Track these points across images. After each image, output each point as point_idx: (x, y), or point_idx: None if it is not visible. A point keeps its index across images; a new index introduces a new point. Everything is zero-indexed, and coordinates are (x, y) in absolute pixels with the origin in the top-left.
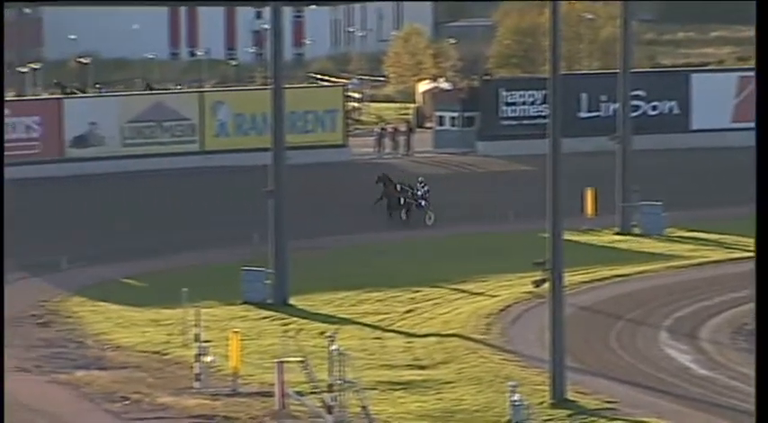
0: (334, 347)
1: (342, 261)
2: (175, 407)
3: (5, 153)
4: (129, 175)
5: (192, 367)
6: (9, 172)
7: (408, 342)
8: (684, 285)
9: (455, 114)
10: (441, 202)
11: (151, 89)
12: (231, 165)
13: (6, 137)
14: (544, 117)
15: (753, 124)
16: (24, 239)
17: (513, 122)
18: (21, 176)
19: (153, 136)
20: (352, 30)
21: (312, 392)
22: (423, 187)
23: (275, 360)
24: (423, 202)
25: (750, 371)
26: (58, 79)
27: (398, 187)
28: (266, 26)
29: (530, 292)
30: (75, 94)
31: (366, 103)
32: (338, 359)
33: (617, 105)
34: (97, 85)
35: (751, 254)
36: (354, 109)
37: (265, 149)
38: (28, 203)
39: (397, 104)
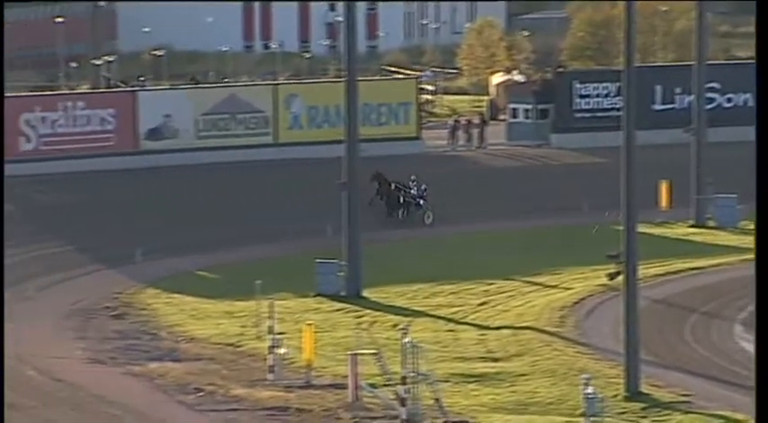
0: (407, 340)
1: (416, 253)
2: (249, 399)
3: (80, 145)
4: (202, 167)
5: (265, 359)
6: (85, 164)
7: (482, 334)
8: None
9: (529, 107)
10: (513, 194)
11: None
12: (304, 157)
13: (82, 129)
14: (618, 109)
15: None
16: (99, 232)
17: (587, 115)
18: (96, 169)
19: (227, 128)
20: (425, 22)
21: (385, 385)
22: (419, 186)
23: (349, 352)
24: (421, 202)
25: None
26: (103, 73)
27: (393, 186)
28: (340, 19)
29: (604, 285)
30: (120, 86)
31: (439, 96)
32: (411, 351)
33: (691, 97)
34: (191, 79)
35: None
36: (428, 101)
37: (339, 142)
38: (103, 196)
39: (471, 97)
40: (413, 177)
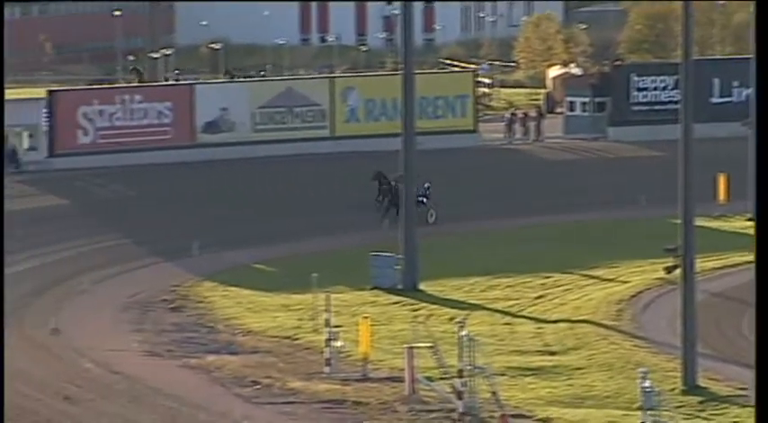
0: (463, 333)
1: (472, 246)
2: (305, 391)
3: (137, 138)
4: (259, 160)
5: (322, 352)
6: (141, 157)
7: (538, 328)
8: None
9: (586, 100)
10: (570, 187)
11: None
12: (361, 150)
13: (139, 122)
14: (675, 102)
15: None
16: (157, 225)
17: (645, 108)
18: (152, 162)
19: (283, 122)
20: (482, 15)
21: (442, 378)
22: (422, 184)
23: (405, 345)
24: (424, 200)
25: None
26: (134, 66)
27: (394, 184)
28: (397, 12)
29: (661, 279)
30: (155, 82)
31: (496, 89)
32: (468, 345)
33: (749, 90)
34: (261, 72)
35: None
36: (485, 94)
37: (395, 135)
38: (159, 189)
39: (528, 90)
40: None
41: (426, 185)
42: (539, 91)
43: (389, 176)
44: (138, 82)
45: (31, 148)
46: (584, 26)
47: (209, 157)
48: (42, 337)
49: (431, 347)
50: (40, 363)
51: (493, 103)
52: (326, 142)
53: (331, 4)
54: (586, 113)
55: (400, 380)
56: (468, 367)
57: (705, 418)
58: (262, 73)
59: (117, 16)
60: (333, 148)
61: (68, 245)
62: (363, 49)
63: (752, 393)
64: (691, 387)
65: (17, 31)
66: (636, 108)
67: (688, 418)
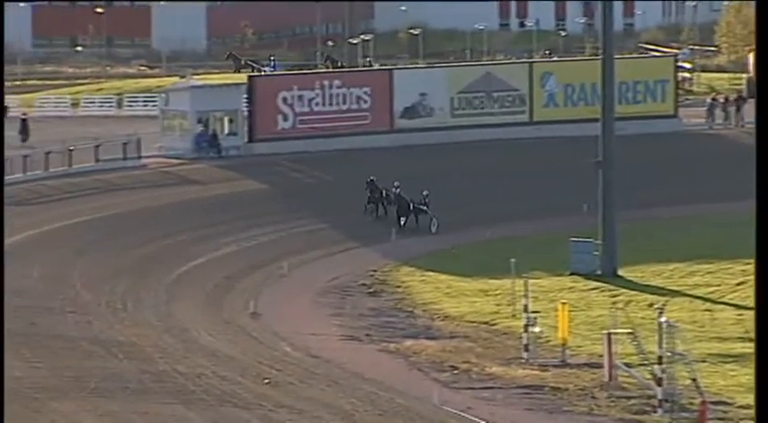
0: (663, 319)
1: (671, 231)
2: (504, 377)
3: (336, 123)
4: (457, 145)
5: (520, 338)
6: (340, 142)
7: (739, 314)
8: None
9: None
10: None
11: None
12: (560, 135)
13: (338, 108)
14: None
15: None
16: (355, 210)
17: None
18: (350, 147)
19: (482, 107)
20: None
21: (641, 364)
22: (421, 192)
23: (604, 331)
24: (425, 208)
25: None
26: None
27: (384, 193)
28: None
29: None
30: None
31: (697, 74)
32: (668, 331)
33: None
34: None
35: None
36: (685, 79)
37: (594, 120)
38: (358, 174)
39: (729, 74)
40: (396, 183)
41: (425, 193)
42: (740, 76)
43: (380, 185)
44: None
45: (231, 134)
46: None
47: (407, 142)
48: (242, 321)
49: (630, 333)
50: (240, 346)
51: (693, 88)
52: (525, 127)
53: None
54: None
55: (599, 366)
56: (668, 354)
57: None
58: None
59: (317, 2)
60: (531, 133)
61: (268, 230)
62: (562, 33)
63: None
64: None
65: (218, 18)
66: None
67: None
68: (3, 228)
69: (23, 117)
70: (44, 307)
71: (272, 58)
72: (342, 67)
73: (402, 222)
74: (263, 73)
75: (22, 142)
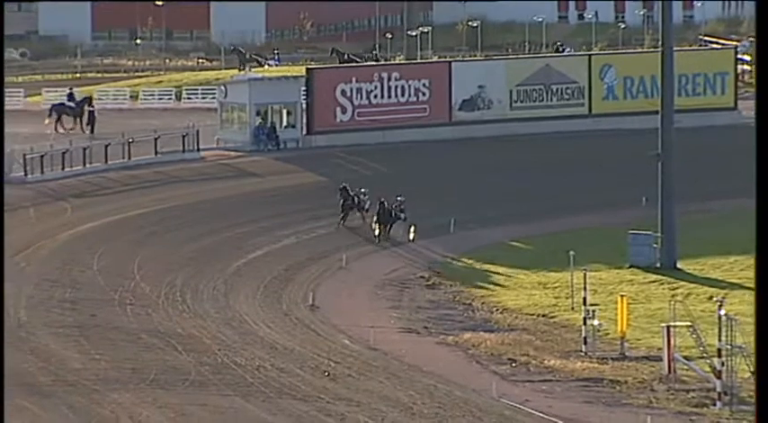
0: (722, 312)
1: (732, 225)
2: (562, 370)
3: (394, 116)
4: (516, 138)
5: (579, 330)
6: (398, 135)
7: None
8: None
9: None
10: None
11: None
12: (619, 128)
13: (396, 100)
14: None
15: None
16: (413, 202)
17: None
18: (409, 139)
19: (541, 99)
20: None
21: (700, 357)
22: (396, 197)
23: (663, 324)
24: (402, 215)
25: None
26: (234, 46)
27: (356, 200)
28: None
29: None
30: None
31: None
32: (727, 324)
33: None
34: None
35: None
36: (744, 72)
37: (654, 112)
38: (416, 167)
39: None
40: (363, 190)
41: (400, 199)
42: None
43: (352, 191)
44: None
45: (290, 126)
46: None
47: (465, 135)
48: (300, 313)
49: (689, 326)
50: (299, 338)
51: (754, 81)
52: (584, 120)
53: None
54: None
55: (658, 359)
56: (727, 346)
57: None
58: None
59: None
60: (590, 125)
61: (326, 222)
62: (621, 26)
63: None
64: None
65: (277, 11)
66: None
67: None
68: (3, 227)
69: (91, 109)
70: (104, 299)
71: (275, 51)
72: (349, 60)
73: (377, 233)
74: (266, 67)
75: (90, 133)
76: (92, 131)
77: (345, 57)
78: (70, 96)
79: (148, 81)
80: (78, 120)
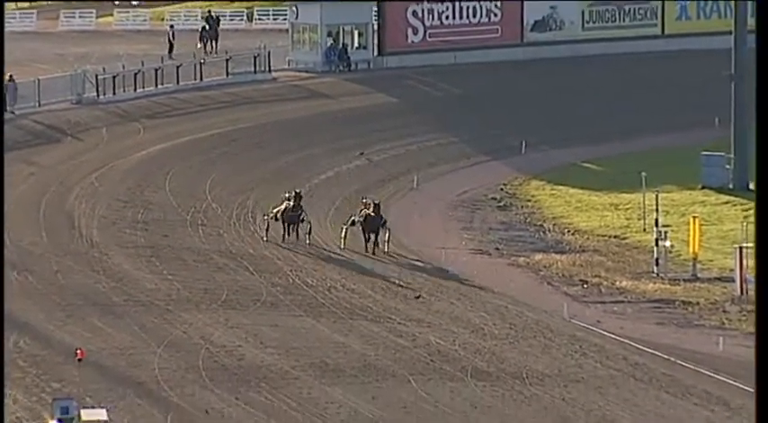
0: None
1: None
2: (634, 291)
3: (466, 37)
4: (588, 59)
5: (651, 252)
6: (469, 56)
7: None
8: None
9: None
10: None
11: None
12: (692, 48)
13: (468, 21)
14: None
15: None
16: (484, 123)
17: None
18: (480, 60)
19: (613, 20)
20: None
21: None
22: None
23: (735, 245)
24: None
25: None
26: None
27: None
28: None
29: None
30: None
31: None
32: None
33: None
34: None
35: None
36: None
37: (727, 33)
38: (487, 88)
39: None
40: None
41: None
42: None
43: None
44: None
45: (361, 47)
46: None
47: (537, 55)
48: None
49: None
50: (369, 259)
51: None
52: (657, 40)
53: None
54: None
55: (730, 280)
56: None
57: None
58: None
59: None
60: (663, 46)
61: (397, 143)
62: None
63: None
64: None
65: None
66: None
67: None
68: (3, 227)
69: (171, 30)
70: (176, 220)
71: None
72: None
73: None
74: None
75: (169, 56)
76: (170, 54)
77: None
78: (209, 19)
79: (219, 3)
80: (214, 42)
